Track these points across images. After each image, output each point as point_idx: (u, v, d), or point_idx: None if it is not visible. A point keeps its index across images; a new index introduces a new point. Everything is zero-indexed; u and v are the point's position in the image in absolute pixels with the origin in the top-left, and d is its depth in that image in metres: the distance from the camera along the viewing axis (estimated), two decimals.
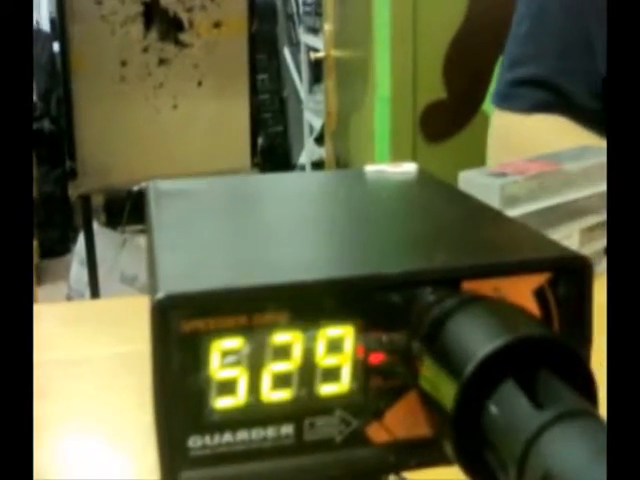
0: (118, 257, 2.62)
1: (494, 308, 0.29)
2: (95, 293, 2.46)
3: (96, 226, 2.58)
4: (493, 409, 0.26)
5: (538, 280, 0.32)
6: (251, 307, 0.29)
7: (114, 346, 0.69)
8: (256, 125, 2.51)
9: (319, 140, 3.57)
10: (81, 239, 2.60)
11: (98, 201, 3.15)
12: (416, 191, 0.44)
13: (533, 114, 1.11)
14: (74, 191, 2.42)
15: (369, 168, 0.48)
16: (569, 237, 0.88)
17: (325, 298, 0.30)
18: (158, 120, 2.43)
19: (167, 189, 0.45)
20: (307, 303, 0.30)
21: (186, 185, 0.47)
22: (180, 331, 0.29)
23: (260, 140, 2.65)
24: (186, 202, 0.43)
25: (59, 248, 3.45)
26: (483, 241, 0.35)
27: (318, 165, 3.71)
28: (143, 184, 2.37)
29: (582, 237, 0.91)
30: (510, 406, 0.26)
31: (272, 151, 4.03)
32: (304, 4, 3.89)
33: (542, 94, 1.11)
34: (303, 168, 3.98)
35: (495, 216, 0.38)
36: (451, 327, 0.29)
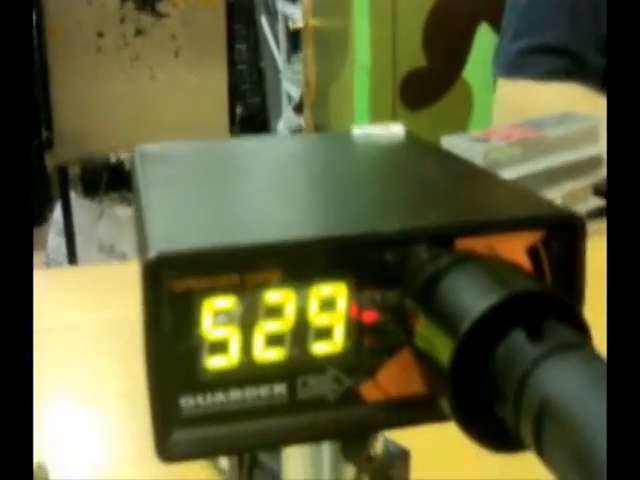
0: (96, 227, 2.61)
1: (488, 265, 0.29)
2: (73, 263, 2.45)
3: (73, 196, 2.57)
4: (496, 356, 0.26)
5: (532, 237, 0.31)
6: (243, 266, 0.29)
7: (95, 312, 0.69)
8: (234, 96, 2.50)
9: (298, 109, 3.56)
10: (58, 209, 2.58)
11: (75, 171, 3.13)
12: (405, 152, 0.43)
13: (547, 81, 1.10)
14: (51, 161, 2.41)
15: (356, 130, 0.48)
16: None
17: (318, 256, 0.30)
18: (135, 91, 2.42)
19: (153, 152, 0.45)
20: (300, 261, 0.30)
21: (172, 148, 0.46)
22: (172, 290, 0.29)
23: (238, 111, 2.64)
24: (172, 165, 0.42)
25: (36, 218, 3.43)
26: (476, 199, 0.35)
27: (297, 133, 3.70)
28: (120, 154, 2.37)
29: (564, 202, 0.91)
30: (509, 345, 0.26)
31: (250, 121, 4.01)
32: None
33: (555, 60, 1.10)
34: None
35: (486, 175, 0.38)
36: (446, 284, 0.29)
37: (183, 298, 0.29)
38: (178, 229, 0.31)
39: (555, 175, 0.94)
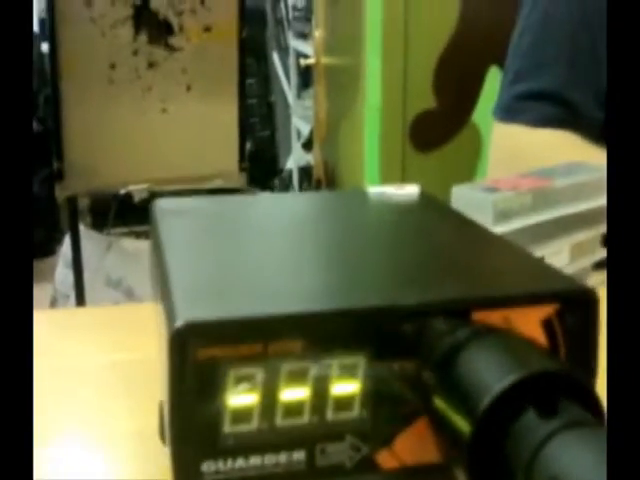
0: (104, 260, 2.62)
1: (506, 341, 0.30)
2: (80, 296, 2.45)
3: (82, 228, 2.58)
4: (511, 432, 0.27)
5: (546, 311, 0.32)
6: (266, 336, 0.30)
7: (103, 353, 0.69)
8: (244, 130, 2.51)
9: (307, 145, 3.58)
10: (67, 241, 2.59)
11: (84, 203, 3.15)
12: (420, 215, 0.44)
13: (540, 128, 1.10)
14: (61, 193, 2.41)
15: (372, 190, 0.49)
16: (560, 252, 0.89)
17: (339, 328, 0.31)
18: (146, 123, 2.43)
19: (172, 207, 0.45)
20: (321, 332, 0.31)
21: (190, 204, 0.47)
22: (197, 358, 0.29)
23: (247, 144, 2.65)
24: (193, 222, 0.43)
25: (44, 249, 3.44)
26: (492, 271, 0.35)
27: (305, 170, 3.71)
28: (130, 187, 2.38)
29: (572, 252, 0.92)
30: (522, 422, 0.27)
31: (259, 155, 4.03)
32: (294, 9, 3.90)
33: (549, 107, 1.09)
34: (290, 173, 3.99)
35: (501, 244, 0.39)
36: (464, 359, 0.29)
37: (208, 366, 0.30)
38: (203, 297, 0.32)
39: (563, 225, 0.95)
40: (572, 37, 1.08)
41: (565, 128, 1.08)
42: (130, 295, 2.53)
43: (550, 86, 1.09)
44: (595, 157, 0.94)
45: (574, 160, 0.96)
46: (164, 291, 0.34)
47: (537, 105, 1.10)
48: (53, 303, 2.68)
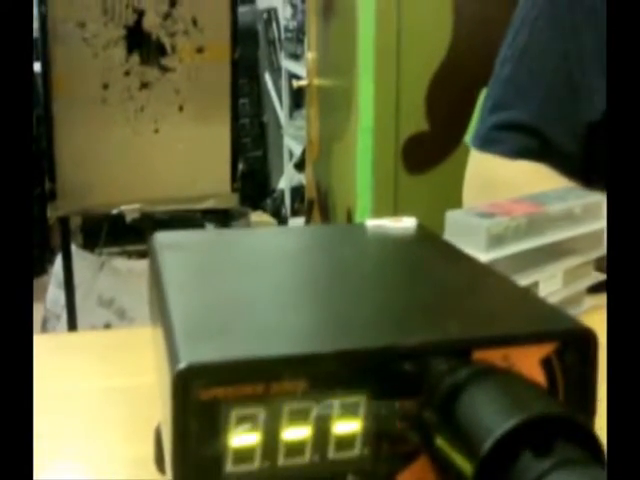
0: (95, 280, 2.61)
1: (506, 383, 0.30)
2: (72, 316, 2.44)
3: (74, 248, 2.57)
4: (511, 471, 0.28)
5: (546, 350, 0.33)
6: (268, 376, 0.30)
7: (97, 379, 0.69)
8: (237, 150, 2.51)
9: (299, 166, 3.58)
10: (58, 261, 2.59)
11: (75, 222, 3.14)
12: (418, 250, 0.45)
13: (516, 159, 1.10)
14: (53, 213, 2.41)
15: (369, 222, 0.49)
16: (553, 277, 0.89)
17: (340, 368, 0.31)
18: (139, 144, 2.43)
19: (172, 241, 0.46)
20: (322, 372, 0.31)
21: (189, 238, 0.47)
22: (199, 399, 0.30)
23: (239, 165, 2.66)
24: (193, 257, 0.43)
25: (35, 269, 3.43)
26: (492, 310, 0.36)
27: (297, 190, 3.72)
28: (123, 207, 2.38)
29: (566, 277, 0.92)
30: (519, 462, 0.27)
31: (251, 176, 4.04)
32: (286, 30, 3.92)
33: (525, 139, 1.09)
34: (282, 193, 4.00)
35: (500, 281, 0.39)
36: (465, 399, 0.30)
37: (210, 406, 0.30)
38: (205, 337, 0.32)
39: (557, 250, 0.96)
40: (549, 69, 1.08)
41: (539, 161, 1.07)
42: (122, 315, 2.53)
43: (525, 118, 1.08)
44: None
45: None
46: (165, 328, 0.34)
47: (512, 136, 1.10)
48: (44, 323, 2.68)
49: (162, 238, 0.46)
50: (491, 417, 0.28)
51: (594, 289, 0.95)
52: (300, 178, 3.62)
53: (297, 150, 3.65)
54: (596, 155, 1.07)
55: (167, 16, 2.40)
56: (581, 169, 1.07)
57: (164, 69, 2.44)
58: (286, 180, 3.91)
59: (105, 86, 2.40)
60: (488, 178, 1.14)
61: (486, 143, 1.13)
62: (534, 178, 1.09)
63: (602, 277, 0.95)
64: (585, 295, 0.90)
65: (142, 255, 2.91)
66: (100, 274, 2.63)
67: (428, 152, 2.04)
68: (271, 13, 4.18)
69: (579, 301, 0.91)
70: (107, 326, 2.55)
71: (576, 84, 1.07)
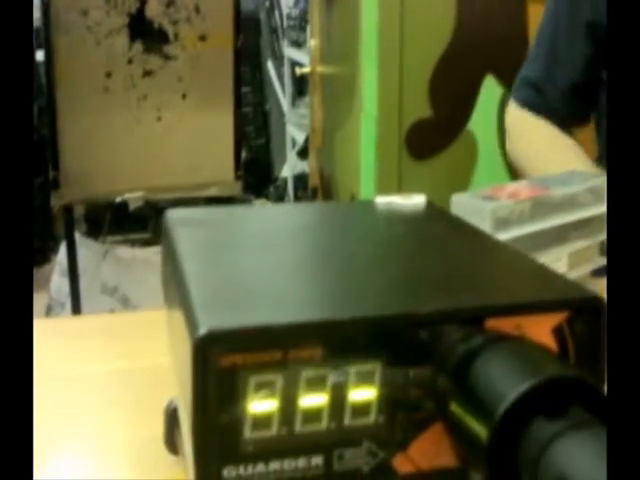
0: (99, 268, 2.62)
1: (519, 348, 0.31)
2: (76, 304, 2.45)
3: (77, 236, 2.57)
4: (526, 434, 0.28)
5: (557, 318, 0.33)
6: (286, 343, 0.31)
7: (105, 362, 0.70)
8: (240, 138, 2.51)
9: (302, 154, 3.58)
10: (62, 249, 2.59)
11: (79, 211, 3.15)
12: (429, 225, 0.45)
13: (524, 110, 1.31)
14: (56, 201, 2.41)
15: (379, 200, 0.49)
16: (558, 260, 0.90)
17: (356, 335, 0.31)
18: (142, 131, 2.43)
19: (184, 218, 0.46)
20: (339, 340, 0.31)
21: (202, 214, 0.48)
22: (219, 366, 0.30)
23: (242, 153, 2.66)
24: (206, 232, 0.44)
25: (39, 257, 3.43)
26: (504, 280, 0.36)
27: (300, 178, 3.72)
28: (126, 195, 2.38)
29: (570, 260, 0.92)
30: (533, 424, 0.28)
31: (254, 164, 4.04)
32: (288, 18, 3.91)
33: (529, 92, 1.31)
34: (285, 181, 4.00)
35: (510, 253, 0.40)
36: (479, 366, 0.30)
37: (229, 373, 0.30)
38: (223, 306, 0.33)
39: (561, 233, 0.96)
40: (556, 37, 1.28)
41: (536, 112, 1.29)
42: (125, 303, 2.54)
43: (533, 75, 1.31)
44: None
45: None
46: (183, 300, 0.34)
47: (524, 89, 1.32)
48: (48, 311, 2.68)
49: (175, 214, 0.46)
50: (505, 381, 0.29)
51: (598, 272, 0.95)
52: (303, 166, 3.62)
53: (300, 138, 3.64)
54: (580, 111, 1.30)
55: (170, 4, 2.40)
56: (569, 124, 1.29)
57: (167, 57, 2.43)
58: (289, 168, 3.91)
59: (108, 74, 2.40)
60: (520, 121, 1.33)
61: (514, 91, 1.35)
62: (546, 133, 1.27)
63: (606, 261, 0.95)
64: (590, 278, 0.91)
65: (145, 243, 2.91)
66: (104, 262, 2.63)
67: (432, 139, 2.04)
68: (273, 1, 4.17)
69: (584, 284, 0.91)
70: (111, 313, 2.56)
71: (573, 53, 1.26)
